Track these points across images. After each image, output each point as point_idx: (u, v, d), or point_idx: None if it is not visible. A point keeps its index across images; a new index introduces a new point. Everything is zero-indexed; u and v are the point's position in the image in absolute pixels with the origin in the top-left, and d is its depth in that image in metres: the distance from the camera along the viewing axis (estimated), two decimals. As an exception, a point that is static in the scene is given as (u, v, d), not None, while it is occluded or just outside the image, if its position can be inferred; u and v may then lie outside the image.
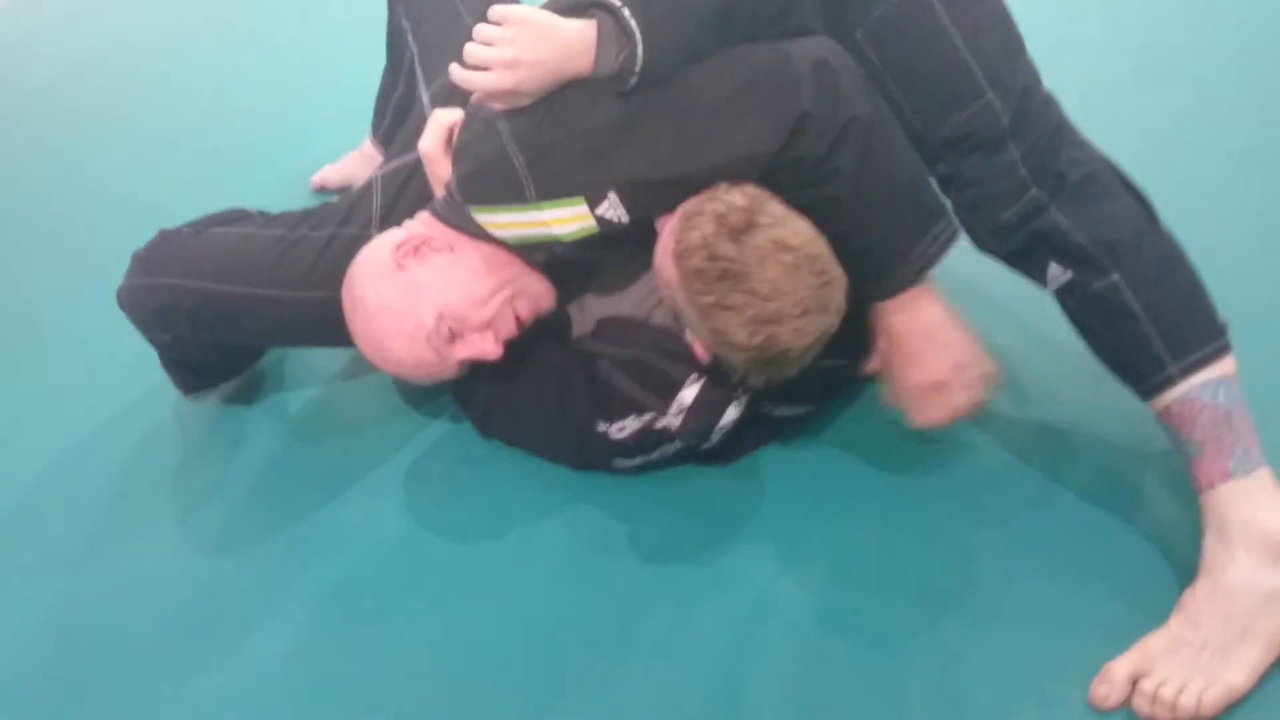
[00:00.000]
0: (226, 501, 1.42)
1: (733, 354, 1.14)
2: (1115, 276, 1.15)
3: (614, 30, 1.10)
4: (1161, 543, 1.20)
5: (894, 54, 1.17)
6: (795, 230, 1.13)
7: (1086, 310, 1.18)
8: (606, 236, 1.20)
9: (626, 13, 1.09)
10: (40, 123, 2.46)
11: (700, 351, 1.21)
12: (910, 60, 1.17)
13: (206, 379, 1.54)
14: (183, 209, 1.48)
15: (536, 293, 1.33)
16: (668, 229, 1.18)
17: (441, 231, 1.30)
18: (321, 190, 1.97)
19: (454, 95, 1.40)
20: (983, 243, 1.23)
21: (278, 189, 1.96)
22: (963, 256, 1.24)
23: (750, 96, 1.13)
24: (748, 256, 1.10)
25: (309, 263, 1.37)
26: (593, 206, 1.17)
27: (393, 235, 1.32)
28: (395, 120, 1.70)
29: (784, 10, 1.18)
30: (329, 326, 1.36)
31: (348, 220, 1.41)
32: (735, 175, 1.15)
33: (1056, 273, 1.18)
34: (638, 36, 1.08)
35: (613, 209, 1.17)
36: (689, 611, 1.20)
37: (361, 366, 1.59)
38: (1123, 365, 1.19)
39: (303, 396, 1.57)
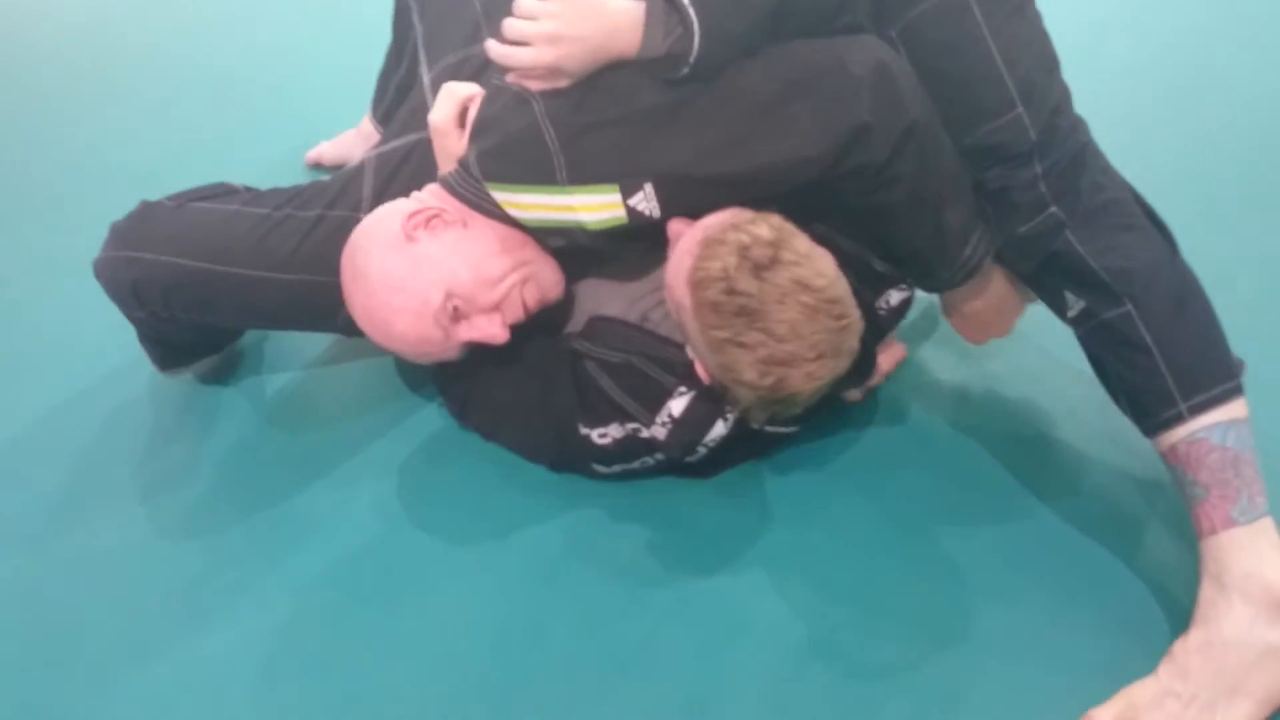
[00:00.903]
0: (195, 483, 1.37)
1: (740, 390, 1.11)
2: (1128, 307, 1.12)
3: (663, 12, 1.07)
4: (1157, 585, 1.17)
5: (927, 55, 1.12)
6: (818, 270, 1.09)
7: (1098, 340, 1.16)
8: (630, 231, 1.16)
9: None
10: (37, 82, 2.43)
11: (702, 373, 1.17)
12: (943, 64, 1.12)
13: (183, 355, 1.50)
14: (173, 179, 1.44)
15: (549, 279, 1.28)
16: (682, 248, 1.14)
17: (454, 206, 1.24)
18: (317, 167, 1.96)
19: (455, 78, 1.36)
20: (1001, 258, 1.22)
21: (271, 163, 1.95)
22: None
23: (805, 98, 1.09)
24: (768, 294, 1.06)
25: (293, 244, 1.32)
26: (626, 197, 1.12)
27: (402, 205, 1.26)
28: (395, 101, 1.66)
29: (840, 7, 1.13)
30: (310, 311, 1.33)
31: (336, 202, 1.36)
32: (782, 179, 1.11)
33: (1071, 301, 1.16)
34: (695, 24, 1.05)
35: (646, 201, 1.12)
36: (662, 627, 1.16)
37: (343, 351, 1.56)
38: (1131, 399, 1.16)
39: (281, 379, 1.54)
